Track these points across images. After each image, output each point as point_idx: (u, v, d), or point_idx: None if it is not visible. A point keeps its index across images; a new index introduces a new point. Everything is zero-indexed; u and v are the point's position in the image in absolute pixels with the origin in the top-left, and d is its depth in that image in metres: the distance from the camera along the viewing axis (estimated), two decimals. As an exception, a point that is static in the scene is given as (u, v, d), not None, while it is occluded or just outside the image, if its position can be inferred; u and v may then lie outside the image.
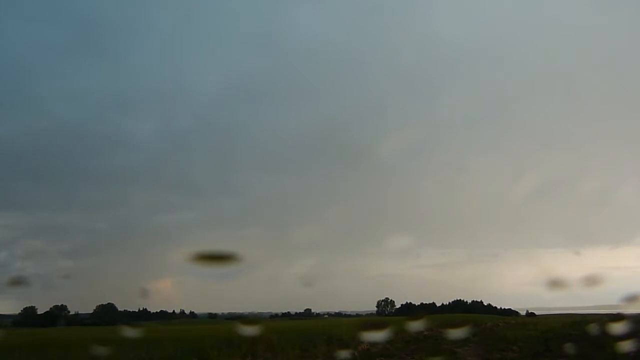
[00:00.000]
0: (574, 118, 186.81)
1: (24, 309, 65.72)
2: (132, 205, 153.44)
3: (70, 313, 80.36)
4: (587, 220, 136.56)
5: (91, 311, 79.60)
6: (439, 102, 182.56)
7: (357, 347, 13.70)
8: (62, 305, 76.92)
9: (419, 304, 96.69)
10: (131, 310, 73.84)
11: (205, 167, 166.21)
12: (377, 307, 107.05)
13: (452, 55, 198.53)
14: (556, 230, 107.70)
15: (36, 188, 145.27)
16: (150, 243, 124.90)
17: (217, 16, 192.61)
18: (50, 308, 76.23)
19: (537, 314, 68.30)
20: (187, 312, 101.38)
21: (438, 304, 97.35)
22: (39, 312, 72.26)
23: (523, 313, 73.47)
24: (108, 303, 75.08)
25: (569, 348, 11.49)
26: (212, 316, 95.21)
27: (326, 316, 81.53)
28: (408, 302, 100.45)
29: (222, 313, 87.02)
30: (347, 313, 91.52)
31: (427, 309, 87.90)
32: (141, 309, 76.03)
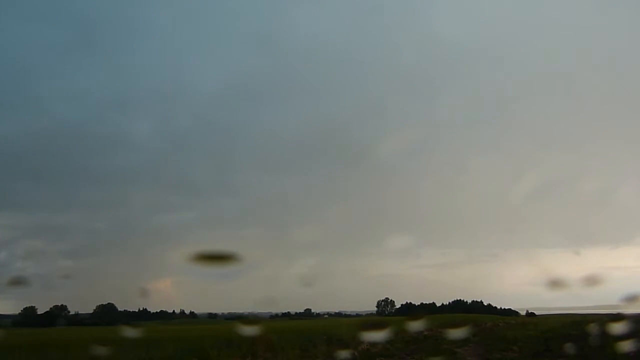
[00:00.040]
0: (574, 118, 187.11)
1: (24, 309, 65.94)
2: (132, 205, 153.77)
3: (70, 313, 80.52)
4: (587, 220, 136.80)
5: (91, 311, 79.75)
6: (439, 102, 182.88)
7: (357, 347, 13.69)
8: (62, 305, 77.11)
9: (419, 304, 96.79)
10: (131, 310, 73.89)
11: (205, 167, 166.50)
12: (377, 307, 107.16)
13: (452, 55, 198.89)
14: (556, 230, 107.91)
15: (36, 188, 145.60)
16: (150, 243, 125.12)
17: (217, 16, 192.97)
18: (50, 308, 76.41)
19: (537, 314, 68.27)
20: (187, 312, 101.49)
21: (438, 304, 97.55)
22: (39, 312, 72.45)
23: (523, 313, 73.47)
24: (108, 303, 75.22)
25: (569, 348, 11.48)
26: (212, 316, 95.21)
27: (326, 316, 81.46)
28: (408, 302, 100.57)
29: (222, 313, 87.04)
30: (347, 313, 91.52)
31: (427, 309, 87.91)
32: (141, 309, 76.06)
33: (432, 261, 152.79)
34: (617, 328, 4.45)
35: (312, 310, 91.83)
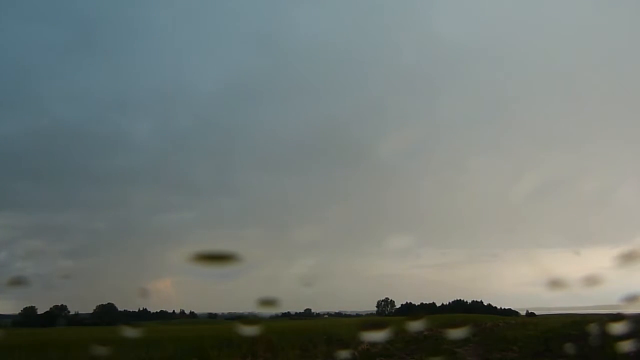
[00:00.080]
0: (574, 118, 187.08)
1: (24, 309, 65.86)
2: (132, 205, 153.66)
3: (70, 313, 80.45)
4: (587, 220, 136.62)
5: (91, 311, 79.68)
6: (439, 102, 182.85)
7: (357, 347, 13.69)
8: (62, 305, 77.06)
9: (419, 304, 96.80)
10: (131, 310, 73.86)
11: (205, 167, 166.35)
12: (377, 307, 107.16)
13: (452, 55, 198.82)
14: (556, 230, 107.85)
15: (36, 188, 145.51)
16: (150, 243, 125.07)
17: (217, 16, 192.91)
18: (50, 308, 76.35)
19: (537, 314, 68.25)
20: (187, 312, 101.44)
21: (438, 304, 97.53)
22: (39, 312, 72.35)
23: (523, 313, 73.45)
24: (108, 303, 75.15)
25: (569, 348, 11.48)
26: (212, 316, 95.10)
27: (326, 316, 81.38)
28: (408, 302, 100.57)
29: (222, 313, 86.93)
30: (347, 313, 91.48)
31: (427, 309, 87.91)
32: (141, 309, 76.01)
33: (432, 261, 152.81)
34: (617, 328, 4.45)
35: (312, 310, 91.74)
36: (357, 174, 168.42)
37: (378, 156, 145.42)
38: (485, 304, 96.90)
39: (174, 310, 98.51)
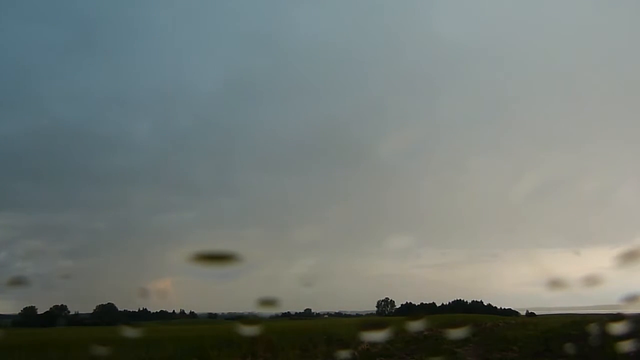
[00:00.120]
0: (574, 118, 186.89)
1: (24, 309, 65.88)
2: (132, 205, 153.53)
3: (70, 313, 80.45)
4: (587, 220, 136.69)
5: (91, 311, 79.59)
6: (439, 102, 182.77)
7: (357, 347, 13.69)
8: (62, 305, 77.05)
9: (419, 304, 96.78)
10: (131, 310, 73.89)
11: (205, 167, 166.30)
12: (377, 307, 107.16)
13: (452, 55, 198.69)
14: (556, 230, 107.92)
15: (36, 188, 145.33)
16: (150, 243, 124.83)
17: (217, 16, 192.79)
18: (50, 308, 76.36)
19: (537, 314, 68.23)
20: (187, 312, 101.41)
21: (438, 304, 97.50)
22: (39, 312, 72.37)
23: (523, 313, 73.43)
24: (108, 303, 75.10)
25: (569, 348, 11.48)
26: (212, 316, 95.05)
27: (326, 316, 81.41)
28: (408, 302, 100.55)
29: (222, 313, 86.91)
30: (347, 313, 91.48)
31: (427, 309, 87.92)
32: (141, 309, 76.08)
33: (432, 261, 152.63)
34: (617, 328, 4.45)
35: (312, 310, 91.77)
36: (357, 174, 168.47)
37: (378, 156, 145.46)
38: (485, 304, 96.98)
39: (174, 310, 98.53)
